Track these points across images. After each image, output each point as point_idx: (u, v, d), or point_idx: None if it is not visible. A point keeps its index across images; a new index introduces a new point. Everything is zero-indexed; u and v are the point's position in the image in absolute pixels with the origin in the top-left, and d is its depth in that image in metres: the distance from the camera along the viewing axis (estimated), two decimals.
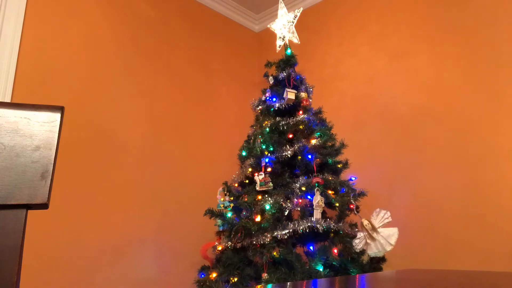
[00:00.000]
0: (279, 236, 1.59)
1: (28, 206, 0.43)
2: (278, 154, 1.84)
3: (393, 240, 1.60)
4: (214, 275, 1.73)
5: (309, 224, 1.58)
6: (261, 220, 1.66)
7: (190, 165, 2.56)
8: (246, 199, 1.79)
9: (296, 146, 1.82)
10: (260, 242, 1.61)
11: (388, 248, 1.59)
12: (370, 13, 2.66)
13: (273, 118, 1.97)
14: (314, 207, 1.63)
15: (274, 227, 1.62)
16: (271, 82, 2.09)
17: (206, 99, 2.81)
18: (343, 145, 1.93)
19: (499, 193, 1.91)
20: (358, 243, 1.63)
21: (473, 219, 1.96)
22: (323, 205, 1.65)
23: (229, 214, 1.82)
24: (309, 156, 1.79)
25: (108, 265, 2.02)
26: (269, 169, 1.81)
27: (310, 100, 2.03)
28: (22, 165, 0.43)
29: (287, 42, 2.14)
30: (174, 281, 2.27)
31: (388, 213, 1.66)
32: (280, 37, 2.15)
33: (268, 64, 2.13)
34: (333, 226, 1.63)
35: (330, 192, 1.75)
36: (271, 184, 1.76)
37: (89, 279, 1.94)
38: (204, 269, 1.87)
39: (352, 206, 1.76)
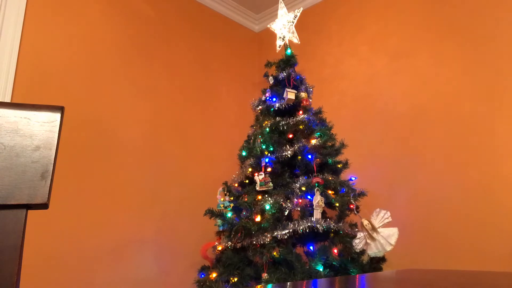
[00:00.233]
0: (279, 236, 1.59)
1: (28, 206, 0.43)
2: (278, 154, 1.84)
3: (393, 240, 1.60)
4: (214, 275, 1.73)
5: (309, 224, 1.58)
6: (261, 220, 1.66)
7: (190, 165, 2.56)
8: (246, 199, 1.79)
9: (296, 146, 1.82)
10: (260, 242, 1.61)
11: (388, 248, 1.59)
12: (370, 13, 2.66)
13: (273, 118, 1.97)
14: (314, 207, 1.63)
15: (274, 227, 1.62)
16: (271, 82, 2.09)
17: (206, 99, 2.81)
18: (343, 145, 1.93)
19: (499, 193, 1.91)
20: (358, 243, 1.63)
21: (473, 219, 1.96)
22: (323, 205, 1.65)
23: (229, 214, 1.82)
24: (309, 156, 1.79)
25: (108, 265, 2.02)
26: (269, 169, 1.81)
27: (310, 100, 2.03)
28: (22, 165, 0.43)
29: (287, 42, 2.14)
30: (174, 281, 2.27)
31: (388, 213, 1.66)
32: (280, 37, 2.15)
33: (268, 64, 2.13)
34: (333, 226, 1.63)
35: (330, 192, 1.75)
36: (271, 184, 1.76)
37: (89, 279, 1.94)
38: (204, 269, 1.87)
39: (352, 206, 1.76)
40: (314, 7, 3.03)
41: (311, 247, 1.66)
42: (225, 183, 1.98)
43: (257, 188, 1.76)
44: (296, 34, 2.14)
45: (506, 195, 1.88)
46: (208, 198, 2.38)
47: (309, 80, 2.25)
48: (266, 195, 1.73)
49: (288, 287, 0.49)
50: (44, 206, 0.43)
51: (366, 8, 2.70)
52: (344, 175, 1.93)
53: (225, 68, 3.03)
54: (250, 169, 1.86)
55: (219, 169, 2.67)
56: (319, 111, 2.01)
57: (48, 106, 0.46)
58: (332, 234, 1.67)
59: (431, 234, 2.07)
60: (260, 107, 2.08)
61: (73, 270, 1.89)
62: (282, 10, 2.19)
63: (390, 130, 2.38)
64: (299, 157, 1.81)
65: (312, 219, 1.59)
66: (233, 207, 1.85)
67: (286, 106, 1.97)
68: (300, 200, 1.69)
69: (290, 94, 1.93)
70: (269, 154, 1.85)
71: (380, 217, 1.65)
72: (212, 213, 1.83)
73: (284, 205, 1.67)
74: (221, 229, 1.87)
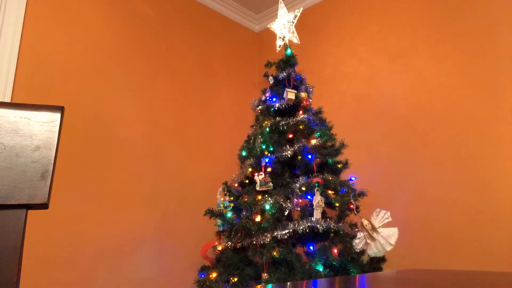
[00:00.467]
0: (279, 236, 1.59)
1: (28, 206, 0.43)
2: (278, 154, 1.84)
3: (393, 240, 1.60)
4: (214, 275, 1.73)
5: (309, 224, 1.58)
6: (261, 220, 1.66)
7: (190, 165, 2.56)
8: (246, 199, 1.79)
9: (296, 146, 1.82)
10: (260, 242, 1.61)
11: (388, 248, 1.59)
12: (370, 13, 2.66)
13: (273, 118, 1.97)
14: (314, 207, 1.63)
15: (274, 227, 1.62)
16: (271, 82, 2.09)
17: (206, 99, 2.81)
18: (343, 145, 1.93)
19: (499, 193, 1.91)
20: (358, 243, 1.63)
21: (473, 219, 1.96)
22: (323, 205, 1.65)
23: (229, 214, 1.82)
24: (309, 156, 1.79)
25: (108, 265, 2.02)
26: (269, 169, 1.81)
27: (310, 100, 2.03)
28: (22, 165, 0.43)
29: (287, 42, 2.14)
30: (174, 281, 2.27)
31: (388, 213, 1.66)
32: (280, 37, 2.15)
33: (268, 64, 2.13)
34: (333, 226, 1.63)
35: (330, 192, 1.75)
36: (271, 184, 1.76)
37: (89, 279, 1.94)
38: (204, 269, 1.87)
39: (352, 206, 1.76)
40: (314, 7, 3.03)
41: (311, 247, 1.66)
42: (225, 183, 1.98)
43: (257, 188, 1.76)
44: (296, 34, 2.14)
45: (506, 195, 1.88)
46: (208, 198, 2.39)
47: (309, 80, 2.25)
48: (266, 195, 1.73)
49: (288, 287, 0.49)
50: (44, 206, 0.43)
51: (366, 8, 2.70)
52: (344, 175, 1.93)
53: (225, 68, 3.03)
54: (250, 169, 1.86)
55: (219, 169, 2.67)
56: (319, 111, 2.01)
57: (48, 106, 0.46)
58: (332, 234, 1.67)
59: (431, 234, 2.07)
60: (260, 107, 2.08)
61: (73, 270, 1.89)
62: (282, 10, 2.19)
63: (390, 130, 2.38)
64: (299, 157, 1.81)
65: (312, 219, 1.59)
66: (233, 207, 1.85)
67: (286, 106, 1.97)
68: (300, 200, 1.69)
69: (290, 94, 1.93)
70: (269, 154, 1.85)
71: (380, 217, 1.65)
72: (212, 213, 1.83)
73: (284, 205, 1.67)
74: (221, 229, 1.87)
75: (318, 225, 1.58)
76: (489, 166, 1.97)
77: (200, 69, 2.82)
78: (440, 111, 2.20)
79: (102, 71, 2.24)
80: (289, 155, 1.81)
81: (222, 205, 1.90)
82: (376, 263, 1.72)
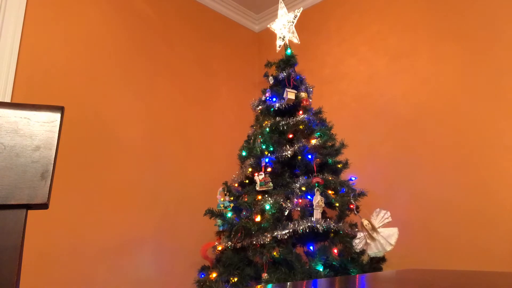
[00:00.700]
0: (279, 236, 1.59)
1: (28, 206, 0.43)
2: (278, 154, 1.84)
3: (393, 240, 1.60)
4: (214, 275, 1.73)
5: (309, 224, 1.58)
6: (261, 220, 1.66)
7: (190, 165, 2.56)
8: (246, 199, 1.79)
9: (296, 146, 1.82)
10: (260, 242, 1.61)
11: (388, 248, 1.59)
12: (370, 13, 2.66)
13: (273, 118, 1.97)
14: (314, 207, 1.63)
15: (274, 227, 1.62)
16: (271, 82, 2.09)
17: (206, 99, 2.81)
18: (343, 145, 1.93)
19: (499, 193, 1.91)
20: (358, 243, 1.63)
21: (473, 219, 1.96)
22: (323, 205, 1.65)
23: (229, 214, 1.82)
24: (309, 156, 1.79)
25: (108, 265, 2.02)
26: (269, 169, 1.81)
27: (310, 100, 2.03)
28: (22, 165, 0.43)
29: (287, 42, 2.14)
30: (174, 281, 2.27)
31: (388, 213, 1.66)
32: (280, 37, 2.15)
33: (268, 64, 2.13)
34: (333, 226, 1.63)
35: (330, 192, 1.75)
36: (271, 184, 1.76)
37: (89, 279, 1.94)
38: (204, 269, 1.87)
39: (352, 206, 1.76)
40: (314, 7, 3.03)
41: (311, 247, 1.66)
42: (225, 183, 1.98)
43: (257, 188, 1.76)
44: (296, 34, 2.14)
45: (506, 195, 1.88)
46: (208, 198, 2.39)
47: (309, 80, 2.25)
48: (266, 195, 1.73)
49: (288, 287, 0.49)
50: (44, 206, 0.43)
51: (366, 8, 2.70)
52: (344, 175, 1.93)
53: (225, 68, 3.03)
54: (250, 169, 1.86)
55: (219, 169, 2.67)
56: (319, 111, 2.01)
57: (48, 106, 0.46)
58: (332, 234, 1.67)
59: (431, 234, 2.07)
60: (260, 107, 2.08)
61: (73, 270, 1.89)
62: (282, 10, 2.19)
63: (390, 130, 2.38)
64: (299, 157, 1.81)
65: (312, 219, 1.59)
66: (233, 207, 1.85)
67: (286, 106, 1.97)
68: (300, 200, 1.69)
69: (290, 94, 1.93)
70: (269, 154, 1.85)
71: (380, 217, 1.65)
72: (212, 213, 1.83)
73: (284, 205, 1.67)
74: (221, 229, 1.87)
75: (318, 225, 1.58)
76: (489, 166, 1.97)
77: (200, 69, 2.82)
78: (440, 111, 2.20)
79: (102, 71, 2.23)
80: (289, 155, 1.81)
81: (222, 205, 1.90)
82: (376, 263, 1.72)
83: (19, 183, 0.42)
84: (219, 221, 1.87)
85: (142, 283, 2.13)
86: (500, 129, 1.97)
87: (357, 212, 1.78)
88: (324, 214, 1.74)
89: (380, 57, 2.54)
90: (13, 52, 1.88)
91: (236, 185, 1.96)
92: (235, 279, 1.65)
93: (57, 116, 0.46)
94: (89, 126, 2.11)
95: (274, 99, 2.02)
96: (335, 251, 1.61)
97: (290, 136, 1.92)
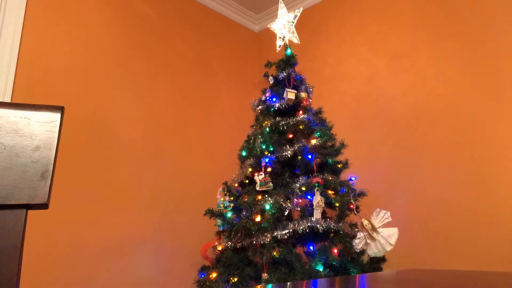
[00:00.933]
0: (279, 236, 1.59)
1: (28, 206, 0.43)
2: (278, 154, 1.84)
3: (393, 240, 1.60)
4: (214, 275, 1.73)
5: (309, 224, 1.58)
6: (261, 220, 1.66)
7: (190, 165, 2.56)
8: (246, 199, 1.79)
9: (296, 146, 1.82)
10: (260, 242, 1.61)
11: (388, 248, 1.59)
12: (370, 13, 2.66)
13: (273, 118, 1.97)
14: (314, 207, 1.63)
15: (274, 227, 1.62)
16: (271, 82, 2.09)
17: (206, 99, 2.81)
18: (343, 145, 1.93)
19: (499, 193, 1.91)
20: (358, 243, 1.63)
21: (473, 218, 1.96)
22: (323, 205, 1.65)
23: (229, 214, 1.82)
24: (309, 156, 1.79)
25: (108, 265, 2.02)
26: (269, 169, 1.81)
27: (310, 100, 2.03)
28: (22, 165, 0.43)
29: (287, 42, 2.14)
30: (174, 281, 2.27)
31: (388, 213, 1.66)
32: (280, 37, 2.15)
33: (268, 64, 2.13)
34: (333, 226, 1.63)
35: (330, 192, 1.75)
36: (271, 184, 1.76)
37: (89, 279, 1.94)
38: (204, 269, 1.87)
39: (352, 206, 1.76)
40: (314, 7, 3.03)
41: (311, 247, 1.66)
42: (225, 183, 1.98)
43: (257, 188, 1.76)
44: (296, 34, 2.14)
45: (506, 195, 1.88)
46: (208, 198, 2.38)
47: (309, 80, 2.25)
48: (266, 195, 1.73)
49: (288, 287, 0.49)
50: (44, 206, 0.43)
51: (366, 8, 2.70)
52: (344, 175, 1.93)
53: (225, 68, 3.03)
54: (250, 169, 1.86)
55: (219, 169, 2.67)
56: (319, 111, 2.01)
57: (48, 106, 0.46)
58: (332, 234, 1.67)
59: (431, 234, 2.07)
60: (260, 107, 2.08)
61: (73, 270, 1.89)
62: (282, 10, 2.19)
63: (390, 130, 2.38)
64: (299, 157, 1.81)
65: (312, 219, 1.59)
66: (233, 207, 1.85)
67: (286, 106, 1.97)
68: (300, 200, 1.69)
69: (290, 94, 1.93)
70: (269, 154, 1.85)
71: (380, 217, 1.65)
72: (212, 213, 1.83)
73: (284, 205, 1.67)
74: (221, 229, 1.87)
75: (318, 225, 1.58)
76: (489, 166, 1.97)
77: (200, 69, 2.82)
78: (440, 111, 2.20)
79: (102, 71, 2.23)
80: (289, 155, 1.81)
81: (222, 205, 1.90)
82: (376, 263, 1.72)
83: (19, 183, 0.42)
84: (219, 221, 1.87)
85: (142, 283, 2.13)
86: (500, 129, 1.97)
87: (357, 212, 1.78)
88: (324, 214, 1.74)
89: (380, 57, 2.54)
90: (13, 52, 1.88)
91: (236, 185, 1.96)
92: (235, 279, 1.65)
93: (57, 116, 0.46)
94: (89, 126, 2.11)
95: (274, 99, 2.02)
96: (335, 251, 1.61)
97: (290, 136, 1.92)
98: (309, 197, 1.68)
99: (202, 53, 2.87)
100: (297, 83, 2.04)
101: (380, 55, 2.55)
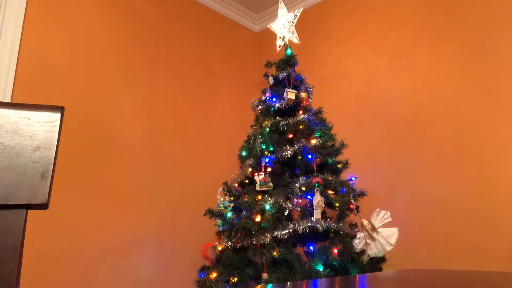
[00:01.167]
0: (279, 236, 1.59)
1: (28, 206, 0.43)
2: (278, 154, 1.84)
3: (393, 240, 1.60)
4: (214, 275, 1.73)
5: (309, 224, 1.58)
6: (261, 220, 1.66)
7: (190, 165, 2.56)
8: (246, 199, 1.79)
9: (296, 146, 1.82)
10: (260, 242, 1.61)
11: (388, 248, 1.59)
12: (370, 13, 2.66)
13: (273, 118, 1.97)
14: (314, 207, 1.63)
15: (274, 227, 1.62)
16: (271, 82, 2.09)
17: (206, 99, 2.81)
18: (343, 145, 1.93)
19: (499, 193, 1.91)
20: (358, 243, 1.63)
21: (474, 218, 1.96)
22: (323, 205, 1.65)
23: (229, 214, 1.82)
24: (309, 156, 1.79)
25: (108, 265, 2.02)
26: (269, 169, 1.81)
27: (310, 100, 2.03)
28: (22, 165, 0.43)
29: (287, 42, 2.14)
30: (174, 281, 2.27)
31: (388, 213, 1.66)
32: (280, 37, 2.15)
33: (268, 64, 2.13)
34: (333, 226, 1.63)
35: (330, 192, 1.75)
36: (271, 184, 1.76)
37: (89, 279, 1.94)
38: (204, 269, 1.87)
39: (352, 206, 1.76)
40: (314, 7, 3.03)
41: (311, 247, 1.66)
42: (225, 183, 1.98)
43: (257, 188, 1.76)
44: (296, 34, 2.14)
45: (506, 195, 1.88)
46: (208, 198, 2.38)
47: (309, 80, 2.25)
48: (266, 195, 1.73)
49: (288, 287, 0.49)
50: (44, 206, 0.43)
51: (366, 8, 2.70)
52: (344, 175, 1.93)
53: (225, 68, 3.03)
54: (250, 169, 1.86)
55: (219, 169, 2.67)
56: (319, 111, 2.01)
57: (48, 106, 0.46)
58: (332, 234, 1.67)
59: (431, 234, 2.07)
60: (260, 107, 2.08)
61: (73, 270, 1.89)
62: (282, 10, 2.19)
63: (390, 130, 2.38)
64: (299, 157, 1.81)
65: (312, 219, 1.59)
66: (233, 207, 1.85)
67: (286, 106, 1.97)
68: (300, 200, 1.69)
69: (290, 94, 1.93)
70: (269, 154, 1.85)
71: (380, 217, 1.65)
72: (212, 213, 1.83)
73: (284, 205, 1.67)
74: (221, 229, 1.87)
75: (318, 225, 1.58)
76: (489, 166, 1.97)
77: (200, 69, 2.82)
78: (440, 111, 2.20)
79: (102, 71, 2.24)
80: (289, 155, 1.81)
81: (222, 205, 1.90)
82: (376, 263, 1.72)
83: (19, 183, 0.42)
84: (219, 221, 1.87)
85: (142, 283, 2.13)
86: (500, 129, 1.97)
87: (357, 212, 1.78)
88: (324, 214, 1.74)
89: (380, 57, 2.54)
90: (13, 52, 1.88)
91: (236, 185, 1.96)
92: (235, 279, 1.65)
93: (57, 116, 0.46)
94: (89, 126, 2.11)
95: (274, 99, 2.02)
96: (335, 251, 1.61)
97: (290, 136, 1.92)
98: (309, 197, 1.68)
99: (202, 53, 2.87)
100: (297, 83, 2.04)
101: (380, 55, 2.55)
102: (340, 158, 1.92)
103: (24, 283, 1.59)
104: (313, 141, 1.81)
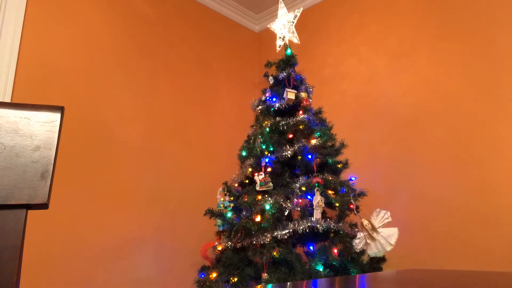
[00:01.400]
0: (279, 236, 1.59)
1: (28, 206, 0.43)
2: (278, 154, 1.84)
3: (393, 240, 1.60)
4: (214, 275, 1.73)
5: (309, 224, 1.58)
6: (261, 220, 1.66)
7: (190, 165, 2.56)
8: (246, 199, 1.79)
9: (296, 146, 1.82)
10: (260, 242, 1.61)
11: (388, 248, 1.59)
12: (370, 13, 2.66)
13: (273, 118, 1.97)
14: (314, 207, 1.63)
15: (274, 227, 1.62)
16: (271, 82, 2.09)
17: (206, 99, 2.81)
18: (343, 145, 1.93)
19: (499, 193, 1.91)
20: (358, 243, 1.63)
21: (473, 219, 1.96)
22: (323, 205, 1.65)
23: (229, 214, 1.82)
24: (309, 156, 1.79)
25: (108, 265, 2.02)
26: (269, 169, 1.81)
27: (310, 100, 2.03)
28: (22, 165, 0.43)
29: (287, 42, 2.14)
30: (174, 281, 2.27)
31: (388, 213, 1.66)
32: (280, 37, 2.15)
33: (268, 64, 2.13)
34: (333, 226, 1.63)
35: (330, 192, 1.75)
36: (271, 184, 1.76)
37: (89, 279, 1.94)
38: (204, 269, 1.87)
39: (352, 206, 1.76)
40: (314, 7, 3.03)
41: (311, 247, 1.66)
42: (225, 183, 1.98)
43: (257, 188, 1.76)
44: (296, 34, 2.14)
45: (506, 195, 1.88)
46: (208, 198, 2.38)
47: (309, 80, 2.25)
48: (266, 195, 1.73)
49: (288, 287, 0.49)
50: (44, 206, 0.43)
51: (366, 8, 2.70)
52: (344, 175, 1.93)
53: (225, 68, 3.03)
54: (250, 169, 1.86)
55: (219, 169, 2.67)
56: (319, 111, 2.01)
57: (48, 106, 0.46)
58: (332, 234, 1.67)
59: (431, 234, 2.07)
60: (260, 107, 2.08)
61: (73, 270, 1.89)
62: (282, 10, 2.19)
63: (390, 130, 2.38)
64: (299, 157, 1.81)
65: (312, 219, 1.59)
66: (233, 207, 1.85)
67: (286, 106, 1.97)
68: (300, 200, 1.69)
69: (290, 94, 1.93)
70: (269, 154, 1.85)
71: (380, 217, 1.65)
72: (212, 213, 1.83)
73: (284, 205, 1.67)
74: (221, 229, 1.87)
75: (318, 225, 1.58)
76: (489, 166, 1.97)
77: (200, 69, 2.82)
78: (440, 111, 2.20)
79: (102, 71, 2.24)
80: (289, 155, 1.81)
81: (222, 205, 1.90)
82: (376, 263, 1.72)
83: (19, 183, 0.42)
84: (219, 221, 1.87)
85: (142, 283, 2.13)
86: (500, 129, 1.97)
87: (357, 212, 1.78)
88: (324, 214, 1.74)
89: (380, 57, 2.54)
90: (13, 52, 1.88)
91: (236, 185, 1.96)
92: (235, 279, 1.65)
93: (57, 116, 0.46)
94: (89, 126, 2.11)
95: (274, 99, 2.02)
96: (335, 251, 1.61)
97: (290, 136, 1.92)
98: (309, 197, 1.68)
99: (202, 53, 2.87)
100: (297, 83, 2.04)
101: (380, 55, 2.55)
102: (340, 158, 1.92)
103: (24, 283, 1.59)
104: (313, 141, 1.81)
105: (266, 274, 1.55)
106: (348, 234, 1.67)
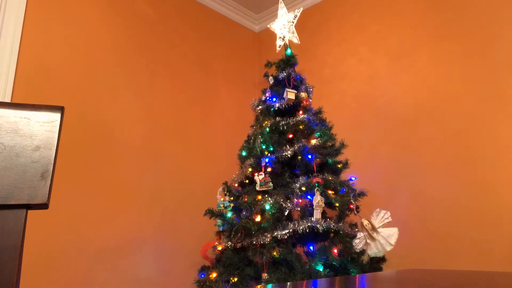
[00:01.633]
0: (279, 236, 1.59)
1: (28, 206, 0.43)
2: (278, 154, 1.84)
3: (393, 240, 1.60)
4: (214, 275, 1.73)
5: (309, 224, 1.58)
6: (261, 220, 1.66)
7: (190, 165, 2.56)
8: (246, 199, 1.79)
9: (296, 146, 1.82)
10: (260, 242, 1.61)
11: (388, 248, 1.59)
12: (370, 13, 2.66)
13: (273, 118, 1.97)
14: (314, 207, 1.63)
15: (274, 227, 1.62)
16: (271, 82, 2.09)
17: (206, 99, 2.81)
18: (343, 145, 1.93)
19: (499, 193, 1.91)
20: (358, 243, 1.63)
21: (474, 218, 1.96)
22: (323, 205, 1.65)
23: (229, 214, 1.82)
24: (309, 156, 1.79)
25: (108, 265, 2.02)
26: (269, 169, 1.81)
27: (310, 100, 2.03)
28: (22, 165, 0.43)
29: (287, 42, 2.14)
30: (174, 281, 2.27)
31: (388, 213, 1.66)
32: (280, 37, 2.15)
33: (268, 64, 2.13)
34: (333, 226, 1.63)
35: (330, 192, 1.75)
36: (271, 184, 1.76)
37: (89, 279, 1.94)
38: (204, 269, 1.87)
39: (352, 206, 1.76)
40: (314, 7, 3.03)
41: (311, 247, 1.66)
42: (225, 183, 1.98)
43: (257, 188, 1.76)
44: (296, 34, 2.14)
45: (506, 195, 1.88)
46: (208, 198, 2.38)
47: (309, 80, 2.25)
48: (266, 195, 1.73)
49: (288, 287, 0.49)
50: (44, 206, 0.43)
51: (366, 8, 2.70)
52: (344, 175, 1.93)
53: (225, 68, 3.03)
54: (250, 169, 1.86)
55: (219, 169, 2.67)
56: (319, 111, 2.01)
57: (48, 106, 0.46)
58: (332, 234, 1.67)
59: (431, 234, 2.07)
60: (260, 107, 2.08)
61: (73, 270, 1.89)
62: (282, 10, 2.19)
63: (390, 130, 2.38)
64: (299, 157, 1.81)
65: (312, 219, 1.59)
66: (233, 207, 1.85)
67: (286, 106, 1.97)
68: (300, 200, 1.69)
69: (290, 94, 1.93)
70: (269, 154, 1.85)
71: (380, 217, 1.65)
72: (212, 213, 1.83)
73: (284, 205, 1.67)
74: (221, 229, 1.87)
75: (318, 225, 1.58)
76: (489, 166, 1.97)
77: (200, 69, 2.82)
78: (440, 111, 2.20)
79: (102, 71, 2.24)
80: (289, 155, 1.81)
81: (222, 205, 1.90)
82: (376, 263, 1.72)
83: (19, 183, 0.42)
84: (219, 221, 1.87)
85: (142, 283, 2.13)
86: (500, 129, 1.97)
87: (357, 212, 1.77)
88: (324, 214, 1.74)
89: (380, 57, 2.54)
90: (13, 52, 1.88)
91: (236, 185, 1.96)
92: (235, 279, 1.65)
93: (57, 116, 0.46)
94: (89, 126, 2.11)
95: (274, 99, 2.02)
96: (335, 251, 1.61)
97: (290, 136, 1.92)
98: (309, 197, 1.68)
99: (202, 53, 2.87)
100: (297, 83, 2.04)
101: (380, 55, 2.55)
102: (340, 158, 1.92)
103: (24, 283, 1.59)
104: (313, 141, 1.81)
105: (266, 274, 1.55)
106: (348, 234, 1.67)
